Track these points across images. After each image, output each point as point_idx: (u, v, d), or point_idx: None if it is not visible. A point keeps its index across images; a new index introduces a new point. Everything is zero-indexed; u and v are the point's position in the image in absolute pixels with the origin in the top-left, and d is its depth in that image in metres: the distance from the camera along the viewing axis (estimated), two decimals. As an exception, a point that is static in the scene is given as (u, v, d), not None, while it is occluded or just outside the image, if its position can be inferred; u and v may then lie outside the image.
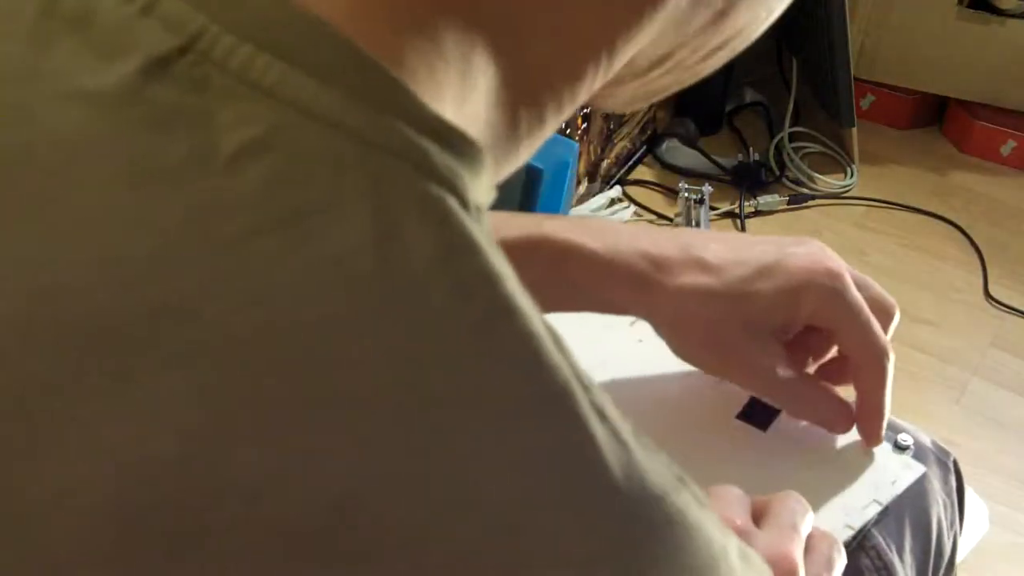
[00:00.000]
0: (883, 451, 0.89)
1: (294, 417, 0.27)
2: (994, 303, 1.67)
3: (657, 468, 0.30)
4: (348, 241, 0.28)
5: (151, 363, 0.27)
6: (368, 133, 0.28)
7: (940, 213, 1.82)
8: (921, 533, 0.89)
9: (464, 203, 0.29)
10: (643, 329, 0.93)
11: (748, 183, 1.79)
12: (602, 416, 0.29)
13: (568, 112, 0.35)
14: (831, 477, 0.85)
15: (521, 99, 0.33)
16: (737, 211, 1.76)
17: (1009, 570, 1.32)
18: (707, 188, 1.45)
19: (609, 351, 0.90)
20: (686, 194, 1.44)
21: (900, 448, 0.97)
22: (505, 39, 0.32)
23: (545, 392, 0.29)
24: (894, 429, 0.99)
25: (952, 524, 0.94)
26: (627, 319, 0.90)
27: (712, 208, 1.70)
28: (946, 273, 1.72)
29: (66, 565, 0.27)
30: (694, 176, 1.80)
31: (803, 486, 0.84)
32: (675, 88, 0.40)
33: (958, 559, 1.27)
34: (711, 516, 0.31)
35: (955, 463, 0.95)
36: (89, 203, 0.29)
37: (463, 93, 0.32)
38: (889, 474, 0.86)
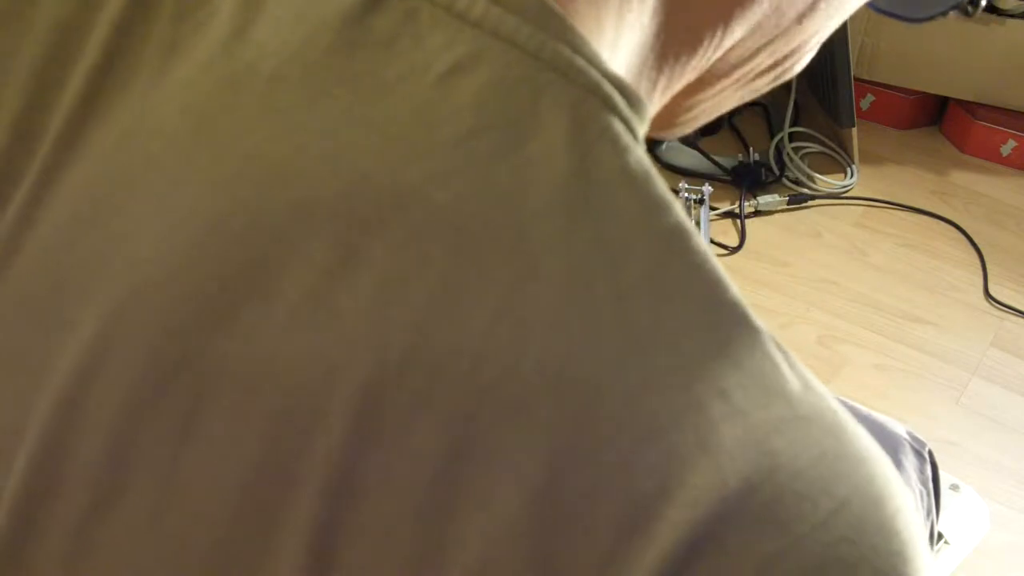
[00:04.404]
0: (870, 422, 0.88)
1: (510, 291, 0.31)
2: (994, 303, 1.67)
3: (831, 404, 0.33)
4: (552, 148, 0.32)
5: (383, 242, 0.31)
6: (564, 68, 0.33)
7: (940, 213, 1.82)
8: None
9: (638, 140, 0.34)
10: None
11: (748, 183, 1.79)
12: (777, 346, 0.33)
13: (672, 88, 0.38)
14: None
15: (651, 62, 0.37)
16: (737, 211, 1.76)
17: (1009, 570, 1.32)
18: (707, 188, 1.45)
19: None
20: (686, 194, 1.44)
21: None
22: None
23: (725, 299, 0.32)
24: (869, 419, 1.00)
25: (928, 513, 0.94)
26: None
27: (712, 208, 1.70)
28: (946, 273, 1.72)
29: (329, 427, 0.30)
30: (694, 176, 1.80)
31: None
32: (736, 103, 0.44)
33: (959, 558, 1.27)
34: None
35: (930, 453, 0.96)
36: (315, 107, 0.33)
37: (616, 44, 0.35)
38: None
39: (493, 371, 0.30)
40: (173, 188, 0.33)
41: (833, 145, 1.91)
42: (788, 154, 1.87)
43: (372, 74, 0.33)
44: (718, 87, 0.41)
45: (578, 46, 0.33)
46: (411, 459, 0.30)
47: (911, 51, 1.92)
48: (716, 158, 1.83)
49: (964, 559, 1.27)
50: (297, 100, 0.33)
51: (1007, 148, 1.94)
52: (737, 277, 1.64)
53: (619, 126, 0.33)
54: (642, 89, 0.37)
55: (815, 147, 1.91)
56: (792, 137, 1.91)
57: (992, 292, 1.68)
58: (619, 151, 0.33)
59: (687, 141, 1.86)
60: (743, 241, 1.71)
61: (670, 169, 1.84)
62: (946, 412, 1.46)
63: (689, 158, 1.85)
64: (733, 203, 1.77)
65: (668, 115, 0.42)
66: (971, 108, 1.95)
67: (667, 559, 0.29)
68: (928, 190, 1.88)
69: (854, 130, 1.83)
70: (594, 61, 0.33)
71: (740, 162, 1.83)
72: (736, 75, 0.41)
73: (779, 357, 0.32)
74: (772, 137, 1.91)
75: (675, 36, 0.36)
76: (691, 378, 0.30)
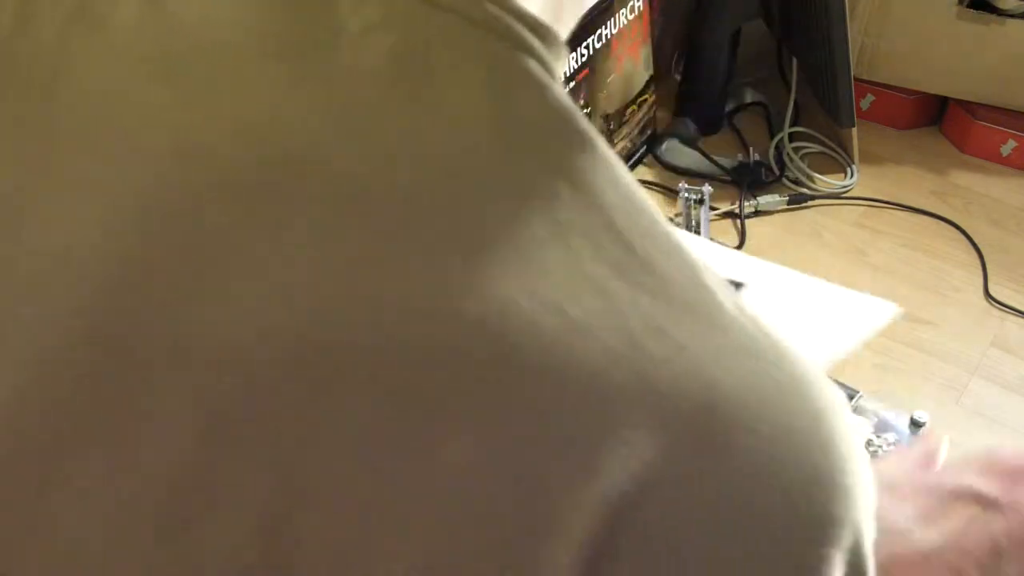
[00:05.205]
0: (854, 299, 0.87)
1: (424, 247, 0.31)
2: (994, 303, 1.67)
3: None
4: (469, 98, 0.33)
5: (303, 213, 0.31)
6: (477, 17, 0.33)
7: (940, 213, 1.82)
8: None
9: (556, 79, 0.34)
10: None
11: (748, 183, 1.79)
12: (713, 274, 0.33)
13: None
14: (807, 333, 0.85)
15: None
16: (737, 211, 1.76)
17: (1009, 570, 1.31)
18: (707, 188, 1.45)
19: None
20: (686, 194, 1.43)
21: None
22: None
23: (655, 227, 0.33)
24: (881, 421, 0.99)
25: None
26: None
27: (712, 208, 1.70)
28: (946, 273, 1.72)
29: (262, 394, 0.30)
30: (694, 176, 1.80)
31: None
32: None
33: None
34: None
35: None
36: (233, 74, 0.33)
37: None
38: (863, 316, 0.87)
39: (431, 328, 0.30)
40: (94, 167, 0.33)
41: (833, 145, 1.91)
42: (788, 154, 1.87)
43: (285, 37, 0.33)
44: None
45: None
46: (353, 417, 0.30)
47: (911, 51, 1.92)
48: (716, 158, 1.83)
49: (964, 559, 1.27)
50: (212, 73, 0.33)
51: (1007, 148, 1.94)
52: (737, 277, 1.64)
53: (535, 67, 0.34)
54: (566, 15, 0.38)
55: (815, 147, 1.91)
56: (792, 137, 1.91)
57: (992, 292, 1.68)
58: (538, 92, 0.33)
59: (687, 141, 1.86)
60: (743, 241, 1.71)
61: (670, 169, 1.84)
62: (946, 412, 1.46)
63: (689, 158, 1.84)
64: (733, 203, 1.77)
65: None
66: (971, 108, 1.95)
67: (613, 504, 0.29)
68: (928, 190, 1.87)
69: (854, 130, 1.83)
70: (506, 5, 0.34)
71: (740, 162, 1.83)
72: None
73: (715, 284, 0.33)
74: (772, 137, 1.91)
75: None
76: (624, 318, 0.31)
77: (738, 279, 0.89)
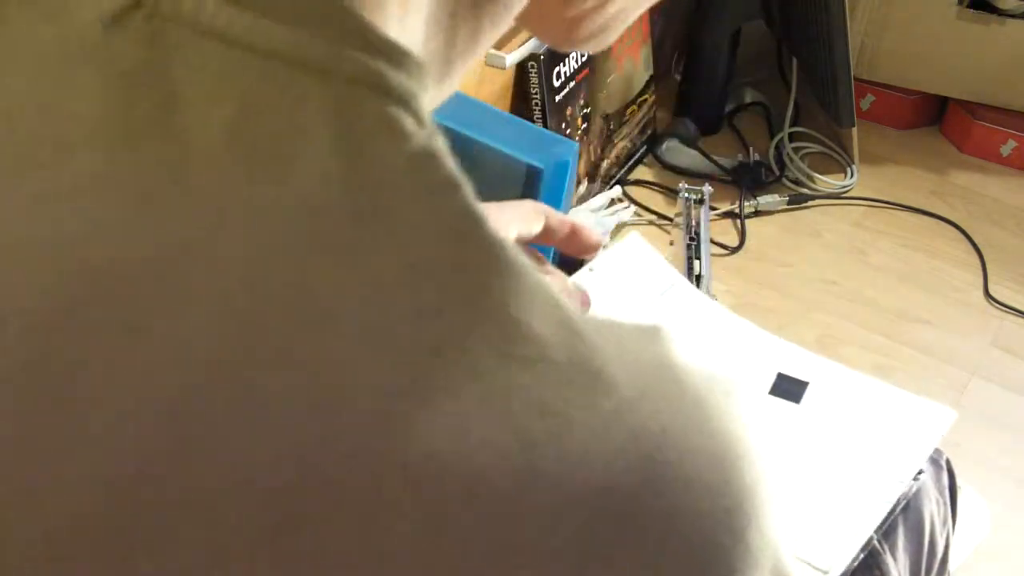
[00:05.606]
0: (913, 403, 0.90)
1: (285, 343, 0.27)
2: (994, 303, 1.67)
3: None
4: (315, 169, 0.28)
5: (164, 318, 0.27)
6: (323, 63, 0.29)
7: (940, 213, 1.82)
8: (914, 531, 0.89)
9: (420, 119, 0.30)
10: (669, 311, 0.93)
11: (748, 183, 1.79)
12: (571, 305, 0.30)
13: (503, 26, 0.35)
14: (872, 437, 0.86)
15: (460, 17, 0.34)
16: (737, 211, 1.76)
17: (1009, 570, 1.32)
18: (707, 188, 1.45)
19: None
20: (686, 194, 1.43)
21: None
22: None
23: (522, 285, 0.29)
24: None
25: (945, 522, 0.94)
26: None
27: (712, 208, 1.70)
28: (946, 273, 1.72)
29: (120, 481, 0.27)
30: (694, 176, 1.80)
31: (846, 451, 0.86)
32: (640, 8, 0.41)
33: (959, 559, 1.27)
34: None
35: (948, 462, 0.95)
36: (67, 167, 0.28)
37: (403, 15, 0.32)
38: (924, 423, 0.87)
39: (286, 421, 0.27)
40: None
41: (833, 145, 1.91)
42: (788, 154, 1.87)
43: (116, 120, 0.29)
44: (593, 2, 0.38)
45: (338, 28, 0.29)
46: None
47: (911, 51, 1.92)
48: (716, 158, 1.83)
49: (964, 559, 1.27)
50: (29, 161, 0.29)
51: (1007, 148, 1.94)
52: (737, 277, 1.64)
53: (395, 111, 0.29)
54: (459, 36, 0.34)
55: (815, 147, 1.91)
56: (792, 137, 1.91)
57: (992, 292, 1.68)
58: (395, 141, 0.29)
59: (687, 141, 1.86)
60: (743, 241, 1.71)
61: (670, 169, 1.84)
62: (946, 412, 1.46)
63: (689, 158, 1.84)
64: (733, 203, 1.77)
65: (558, 31, 0.39)
66: (971, 108, 1.95)
67: None
68: (928, 190, 1.88)
69: (854, 130, 1.83)
70: (361, 37, 0.30)
71: (740, 162, 1.83)
72: None
73: (593, 336, 0.29)
74: (772, 137, 1.91)
75: None
76: (507, 399, 0.27)
77: (803, 378, 0.90)
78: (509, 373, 0.28)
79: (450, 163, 0.30)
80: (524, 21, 0.38)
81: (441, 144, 0.30)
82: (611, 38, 0.41)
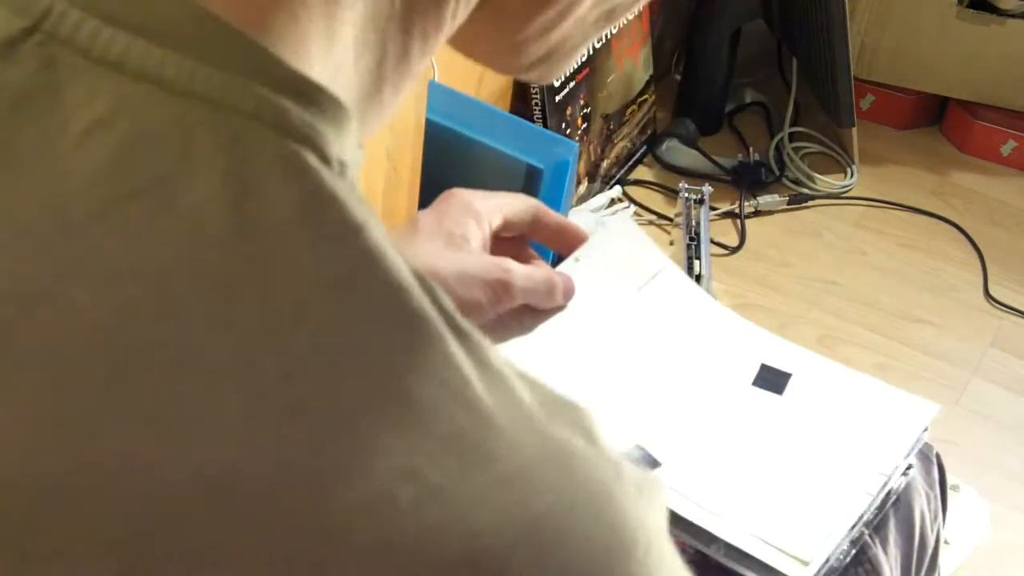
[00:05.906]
0: (896, 397, 0.90)
1: (161, 396, 0.26)
2: (994, 303, 1.67)
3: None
4: (201, 205, 0.27)
5: (25, 359, 0.26)
6: (219, 96, 0.28)
7: (940, 213, 1.82)
8: (905, 525, 0.89)
9: (325, 158, 0.29)
10: (649, 309, 0.93)
11: (748, 183, 1.79)
12: (482, 363, 0.29)
13: (434, 45, 0.34)
14: (854, 430, 0.86)
15: (388, 35, 0.33)
16: (737, 211, 1.76)
17: (1009, 570, 1.32)
18: (707, 188, 1.45)
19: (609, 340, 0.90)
20: (686, 194, 1.43)
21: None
22: None
23: (412, 343, 0.28)
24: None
25: (936, 516, 0.94)
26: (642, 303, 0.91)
27: (712, 208, 1.70)
28: (946, 273, 1.72)
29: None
30: (694, 176, 1.80)
31: (828, 443, 0.86)
32: (597, 28, 0.39)
33: (959, 559, 1.27)
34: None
35: (938, 456, 0.96)
36: None
37: (329, 40, 0.31)
38: (906, 416, 0.88)
39: (155, 487, 0.26)
40: None
41: (833, 145, 1.91)
42: (788, 154, 1.87)
43: (2, 148, 0.28)
44: (539, 18, 0.36)
45: (240, 61, 0.28)
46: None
47: (911, 51, 1.92)
48: (716, 158, 1.83)
49: (964, 559, 1.27)
50: None
51: (1007, 148, 1.94)
52: (737, 277, 1.64)
53: (294, 148, 0.28)
54: (388, 62, 0.33)
55: (815, 147, 1.91)
56: (792, 137, 1.91)
57: (992, 292, 1.68)
58: (288, 182, 0.28)
59: (687, 141, 1.86)
60: (743, 241, 1.71)
61: (670, 169, 1.84)
62: (946, 412, 1.46)
63: (689, 158, 1.84)
64: (733, 203, 1.77)
65: (501, 55, 0.38)
66: (971, 108, 1.95)
67: None
68: (928, 190, 1.88)
69: (854, 130, 1.83)
70: (266, 72, 0.28)
71: (740, 162, 1.83)
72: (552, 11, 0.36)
73: (475, 372, 0.28)
74: (772, 137, 1.91)
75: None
76: (370, 460, 0.26)
77: (786, 369, 0.90)
78: (376, 436, 0.26)
79: (353, 204, 0.28)
80: (460, 45, 0.37)
81: (349, 182, 0.29)
82: (556, 70, 0.40)
